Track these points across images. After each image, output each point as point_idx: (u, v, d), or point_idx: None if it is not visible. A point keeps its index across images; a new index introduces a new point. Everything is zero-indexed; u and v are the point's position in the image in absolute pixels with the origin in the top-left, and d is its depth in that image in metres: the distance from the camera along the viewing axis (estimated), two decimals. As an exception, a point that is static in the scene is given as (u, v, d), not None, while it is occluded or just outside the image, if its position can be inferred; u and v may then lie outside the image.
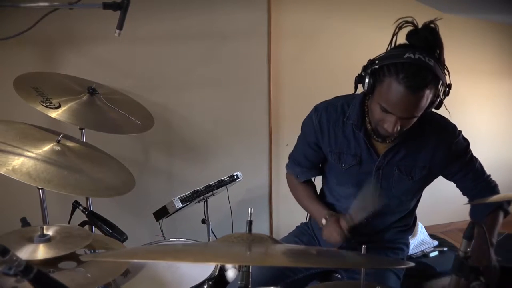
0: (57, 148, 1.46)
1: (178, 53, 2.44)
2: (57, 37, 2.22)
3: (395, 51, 1.32)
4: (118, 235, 1.54)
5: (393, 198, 1.51)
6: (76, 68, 2.19)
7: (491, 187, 1.60)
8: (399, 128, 1.30)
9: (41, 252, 1.08)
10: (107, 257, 1.10)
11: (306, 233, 1.72)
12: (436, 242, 2.38)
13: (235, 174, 2.06)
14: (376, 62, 1.31)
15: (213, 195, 2.03)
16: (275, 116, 2.69)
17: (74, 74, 2.08)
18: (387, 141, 1.45)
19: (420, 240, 2.35)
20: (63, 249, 1.09)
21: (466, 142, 1.53)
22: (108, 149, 1.74)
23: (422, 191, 1.58)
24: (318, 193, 1.72)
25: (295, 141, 1.71)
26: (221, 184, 2.00)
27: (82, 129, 1.98)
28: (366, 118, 1.46)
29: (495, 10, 2.68)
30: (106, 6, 1.34)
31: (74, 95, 1.81)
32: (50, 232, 1.16)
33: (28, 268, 0.68)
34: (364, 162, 1.48)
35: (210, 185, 1.96)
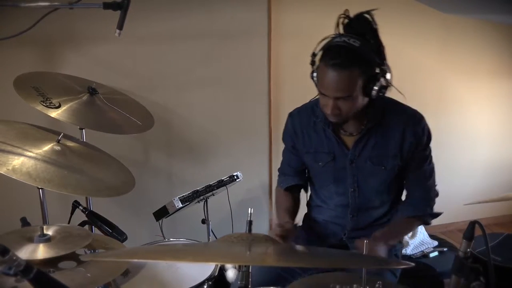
0: (57, 148, 1.46)
1: (178, 53, 2.44)
2: (57, 37, 2.22)
3: (327, 40, 1.40)
4: (118, 235, 1.54)
5: (371, 191, 1.55)
6: (76, 68, 2.19)
7: (427, 195, 1.56)
8: (338, 111, 1.38)
9: (41, 252, 1.08)
10: (107, 257, 1.10)
11: (299, 236, 1.72)
12: (436, 243, 2.38)
13: (235, 174, 2.06)
14: (314, 52, 1.42)
15: (213, 195, 2.03)
16: (275, 116, 2.68)
17: (74, 74, 2.08)
18: (354, 134, 1.51)
19: (420, 241, 2.35)
20: (63, 249, 1.09)
21: (428, 137, 1.52)
22: (108, 149, 1.74)
23: (399, 181, 1.58)
24: (307, 199, 1.76)
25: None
26: (221, 184, 2.00)
27: (82, 129, 1.98)
28: None
29: (495, 10, 2.68)
30: (106, 6, 1.34)
31: (74, 95, 1.81)
32: (50, 232, 1.16)
33: (28, 268, 0.68)
34: (338, 157, 1.54)
35: (210, 185, 1.96)
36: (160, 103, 2.44)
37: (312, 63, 1.43)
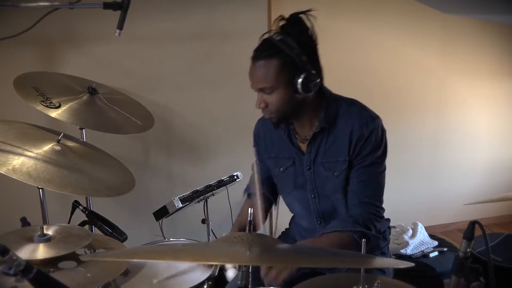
0: (57, 148, 1.46)
1: (178, 53, 2.44)
2: (57, 37, 2.22)
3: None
4: (118, 235, 1.54)
5: (329, 197, 1.49)
6: (76, 68, 2.19)
7: (366, 212, 1.40)
8: (265, 105, 1.39)
9: (41, 252, 1.08)
10: (107, 257, 1.10)
11: (288, 240, 1.71)
12: (436, 243, 2.38)
13: (235, 174, 2.06)
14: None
15: (213, 195, 2.03)
16: (275, 116, 2.68)
17: (74, 74, 2.08)
18: (307, 138, 1.48)
19: (419, 241, 2.35)
20: (63, 249, 1.09)
21: (377, 143, 1.41)
22: (108, 149, 1.74)
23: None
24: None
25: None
26: (221, 184, 2.00)
27: (82, 129, 1.98)
28: (290, 120, 1.50)
29: (495, 10, 2.68)
30: (106, 6, 1.34)
31: (74, 95, 1.82)
32: (50, 232, 1.16)
33: (28, 268, 0.68)
34: (297, 162, 1.52)
35: (210, 185, 1.96)
36: (160, 103, 2.44)
37: None
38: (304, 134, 1.49)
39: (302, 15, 1.40)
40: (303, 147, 1.50)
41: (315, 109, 1.44)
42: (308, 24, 1.39)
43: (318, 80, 1.37)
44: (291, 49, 1.33)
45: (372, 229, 1.40)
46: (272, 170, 1.60)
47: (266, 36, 1.40)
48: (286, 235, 1.75)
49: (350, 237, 1.37)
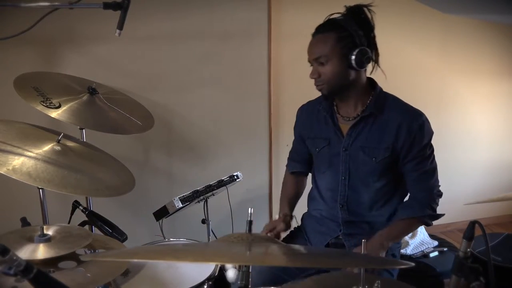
0: (57, 148, 1.46)
1: (178, 53, 2.44)
2: (57, 37, 2.22)
3: None
4: (118, 235, 1.54)
5: (360, 181, 1.57)
6: (76, 68, 2.19)
7: (429, 196, 1.55)
8: (318, 75, 1.48)
9: (41, 252, 1.08)
10: (107, 257, 1.10)
11: (299, 236, 1.75)
12: (436, 243, 2.38)
13: (235, 174, 2.06)
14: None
15: (213, 195, 2.03)
16: (275, 116, 2.68)
17: (74, 74, 2.08)
18: (350, 119, 1.55)
19: (420, 241, 2.35)
20: (63, 249, 1.09)
21: (427, 136, 1.52)
22: (108, 149, 1.74)
23: (389, 174, 1.56)
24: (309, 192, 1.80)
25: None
26: (221, 184, 2.00)
27: (82, 129, 1.98)
28: (334, 102, 1.61)
29: (495, 10, 2.68)
30: (106, 6, 1.34)
31: (74, 95, 1.81)
32: (50, 232, 1.16)
33: (28, 268, 0.68)
34: (333, 143, 1.59)
35: (210, 185, 1.96)
36: (160, 103, 2.44)
37: None
38: (347, 115, 1.57)
39: (364, 8, 1.48)
40: (344, 128, 1.57)
41: (363, 93, 1.53)
42: (368, 15, 1.49)
43: (370, 58, 1.46)
44: (349, 26, 1.43)
45: (435, 207, 1.56)
46: (311, 150, 1.70)
47: (329, 17, 1.50)
48: (296, 234, 1.77)
49: (421, 220, 1.55)
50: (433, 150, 1.55)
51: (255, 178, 2.74)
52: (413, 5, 2.74)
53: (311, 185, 1.78)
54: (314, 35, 1.49)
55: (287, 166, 1.87)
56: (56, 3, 1.33)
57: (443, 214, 1.58)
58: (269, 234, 1.57)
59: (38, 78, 1.84)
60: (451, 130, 3.14)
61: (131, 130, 1.98)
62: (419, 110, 1.55)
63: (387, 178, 1.56)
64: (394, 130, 1.49)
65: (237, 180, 2.06)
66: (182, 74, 2.47)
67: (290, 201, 1.75)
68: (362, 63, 1.44)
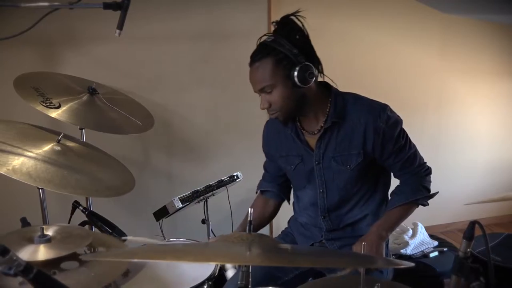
0: (57, 148, 1.46)
1: (178, 53, 2.44)
2: (57, 37, 2.22)
3: None
4: (118, 235, 1.54)
5: (338, 191, 1.55)
6: (76, 68, 2.19)
7: (418, 177, 1.55)
8: (269, 105, 1.44)
9: (42, 252, 1.07)
10: (107, 257, 1.10)
11: (288, 237, 1.75)
12: (436, 243, 2.38)
13: (235, 174, 2.06)
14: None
15: (213, 195, 2.03)
16: (275, 116, 2.68)
17: (74, 74, 2.08)
18: (315, 133, 1.52)
19: (420, 241, 2.35)
20: (64, 249, 1.09)
21: (396, 127, 1.48)
22: (108, 149, 1.74)
23: (366, 175, 1.54)
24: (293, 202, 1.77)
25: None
26: (221, 184, 2.00)
27: (82, 129, 1.98)
28: (296, 118, 1.55)
29: (495, 10, 2.68)
30: (106, 6, 1.34)
31: (74, 95, 1.81)
32: (50, 232, 1.16)
33: (28, 268, 0.68)
34: (305, 159, 1.56)
35: (210, 185, 1.96)
36: (160, 103, 2.44)
37: None
38: (312, 129, 1.53)
39: (292, 17, 1.44)
40: (312, 142, 1.54)
41: (321, 103, 1.49)
42: (298, 23, 1.44)
43: (314, 71, 1.40)
44: (282, 46, 1.38)
45: (428, 185, 1.55)
46: (285, 168, 1.66)
47: (261, 40, 1.45)
48: (285, 234, 1.78)
49: (416, 204, 1.54)
50: (406, 135, 1.52)
51: (255, 178, 2.73)
52: (413, 5, 2.74)
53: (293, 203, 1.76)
54: (251, 64, 1.43)
55: (257, 186, 1.82)
56: (56, 3, 1.33)
57: (437, 192, 1.57)
58: None
59: (38, 78, 1.84)
60: (451, 130, 3.14)
61: (131, 130, 1.99)
62: (381, 103, 1.49)
63: (365, 179, 1.55)
64: (360, 133, 1.46)
65: (237, 180, 2.06)
66: (182, 74, 2.47)
67: (245, 222, 1.59)
68: (306, 80, 1.38)
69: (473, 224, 0.96)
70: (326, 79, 1.52)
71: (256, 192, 1.83)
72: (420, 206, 1.57)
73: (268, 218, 1.75)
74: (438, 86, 3.04)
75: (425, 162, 1.58)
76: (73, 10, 1.37)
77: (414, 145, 1.55)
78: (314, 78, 1.40)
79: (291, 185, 1.74)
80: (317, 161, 1.53)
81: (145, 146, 2.52)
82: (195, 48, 2.46)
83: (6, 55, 2.13)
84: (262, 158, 2.74)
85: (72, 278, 1.02)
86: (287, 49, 1.37)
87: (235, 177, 2.05)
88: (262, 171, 2.86)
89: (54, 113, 1.64)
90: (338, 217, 1.59)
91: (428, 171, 1.57)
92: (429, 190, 1.55)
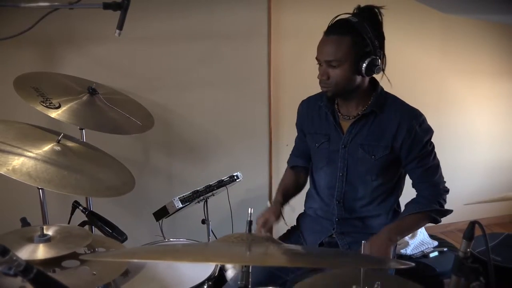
0: (57, 148, 1.46)
1: (178, 53, 2.44)
2: (57, 37, 2.22)
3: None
4: (118, 235, 1.54)
5: (358, 178, 1.58)
6: (76, 68, 2.19)
7: (435, 191, 1.58)
8: (327, 77, 1.47)
9: (41, 252, 1.07)
10: (107, 257, 1.10)
11: (294, 235, 1.75)
12: (436, 243, 2.38)
13: (235, 174, 2.06)
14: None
15: (213, 195, 2.03)
16: (275, 116, 2.68)
17: (74, 74, 2.08)
18: (350, 117, 1.56)
19: (420, 241, 2.35)
20: (63, 249, 1.09)
21: (428, 133, 1.54)
22: (108, 149, 1.74)
23: (387, 172, 1.58)
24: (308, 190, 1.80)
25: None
26: (221, 184, 2.00)
27: (82, 129, 1.98)
28: (336, 101, 1.61)
29: (495, 10, 2.68)
30: (106, 6, 1.34)
31: (74, 95, 1.81)
32: (50, 232, 1.16)
33: (28, 268, 0.68)
34: (332, 139, 1.60)
35: (210, 185, 1.96)
36: (160, 103, 2.44)
37: None
38: (348, 114, 1.58)
39: (376, 9, 1.47)
40: (345, 125, 1.59)
41: (365, 94, 1.55)
42: (379, 17, 1.48)
43: (381, 66, 1.47)
44: (365, 32, 1.42)
45: (443, 203, 1.58)
46: (310, 145, 1.70)
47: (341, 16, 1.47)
48: (292, 233, 1.77)
49: (428, 216, 1.55)
50: (433, 147, 1.56)
51: (255, 178, 2.74)
52: (413, 5, 2.74)
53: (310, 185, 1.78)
54: (328, 34, 1.46)
55: (288, 162, 1.87)
56: (56, 3, 1.33)
57: (451, 211, 1.59)
58: (262, 230, 1.56)
59: (38, 78, 1.84)
60: (451, 130, 3.14)
61: (131, 130, 1.99)
62: (418, 110, 1.56)
63: (385, 177, 1.58)
64: (393, 128, 1.50)
65: (237, 180, 2.06)
66: (182, 74, 2.47)
67: (285, 191, 1.74)
68: (371, 72, 1.46)
69: (473, 224, 0.96)
70: (383, 78, 1.57)
71: (287, 165, 1.87)
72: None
73: (299, 188, 1.80)
74: (438, 86, 3.04)
75: (445, 181, 1.62)
76: (73, 10, 1.37)
77: (438, 160, 1.58)
78: (376, 73, 1.47)
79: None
80: (343, 145, 1.57)
81: (145, 146, 2.52)
82: (195, 48, 2.46)
83: (6, 55, 2.13)
84: (262, 158, 2.76)
85: (74, 276, 1.02)
86: (368, 36, 1.42)
87: (235, 177, 2.05)
88: (262, 171, 2.87)
89: (54, 113, 1.64)
90: (352, 206, 1.61)
91: (446, 189, 1.60)
92: (443, 206, 1.58)
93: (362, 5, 1.50)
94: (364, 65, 1.43)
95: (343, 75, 1.45)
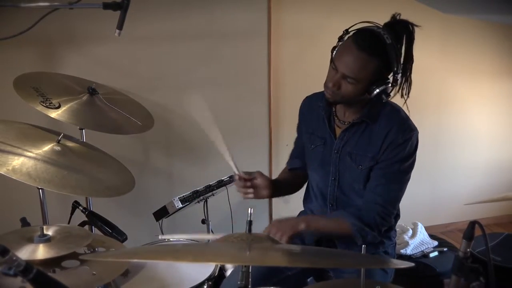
0: (57, 148, 1.46)
1: (178, 53, 2.44)
2: (57, 37, 2.22)
3: (366, 24, 1.42)
4: (118, 235, 1.54)
5: (347, 185, 1.55)
6: (76, 68, 2.19)
7: (375, 210, 1.44)
8: (338, 88, 1.39)
9: (41, 252, 1.07)
10: (107, 257, 1.10)
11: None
12: (436, 243, 2.38)
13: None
14: (348, 30, 1.43)
15: (213, 195, 2.03)
16: (275, 116, 2.68)
17: (74, 74, 2.08)
18: (345, 123, 1.53)
19: (420, 241, 2.35)
20: (63, 249, 1.09)
21: (409, 150, 1.44)
22: (108, 149, 1.74)
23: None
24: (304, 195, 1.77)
25: (295, 141, 1.72)
26: (221, 184, 2.00)
27: (82, 129, 1.98)
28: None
29: (495, 10, 2.68)
30: (106, 6, 1.34)
31: (74, 95, 1.81)
32: (50, 232, 1.16)
33: (28, 268, 0.68)
34: (327, 143, 1.58)
35: (210, 185, 1.96)
36: (160, 103, 2.44)
37: (340, 38, 1.44)
38: (344, 119, 1.55)
39: (410, 26, 1.42)
40: (338, 131, 1.56)
41: (365, 103, 1.49)
42: (412, 36, 1.42)
43: (390, 94, 1.41)
44: (395, 57, 1.36)
45: (375, 229, 1.45)
46: (306, 145, 1.67)
47: (376, 28, 1.38)
48: None
49: (350, 228, 1.43)
50: (410, 170, 1.47)
51: (255, 178, 2.74)
52: (413, 5, 2.73)
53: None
54: (357, 47, 1.33)
55: (287, 163, 1.82)
56: (56, 3, 1.33)
57: (378, 239, 1.48)
58: (247, 186, 1.53)
59: (38, 78, 1.84)
60: (451, 130, 3.14)
61: (131, 130, 1.99)
62: (414, 126, 1.47)
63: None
64: (381, 139, 1.45)
65: (237, 180, 2.06)
66: (182, 74, 2.47)
67: (279, 181, 1.68)
68: (379, 98, 1.40)
69: (473, 224, 0.96)
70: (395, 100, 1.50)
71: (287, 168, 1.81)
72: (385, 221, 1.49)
73: (293, 187, 1.74)
74: (438, 86, 3.04)
75: (395, 212, 1.52)
76: (73, 10, 1.37)
77: (404, 189, 1.49)
78: (382, 100, 1.41)
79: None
80: (336, 150, 1.55)
81: (145, 146, 2.52)
82: (195, 48, 2.46)
83: (6, 55, 2.13)
84: (262, 158, 2.76)
85: (74, 276, 1.02)
86: (395, 63, 1.36)
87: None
88: (262, 171, 2.85)
89: (54, 113, 1.64)
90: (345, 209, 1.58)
91: (388, 219, 1.47)
92: (371, 229, 1.44)
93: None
94: (376, 91, 1.38)
95: (354, 92, 1.39)
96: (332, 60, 1.42)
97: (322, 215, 1.58)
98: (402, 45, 1.41)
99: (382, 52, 1.34)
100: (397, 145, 1.43)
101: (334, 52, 1.44)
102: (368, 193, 1.48)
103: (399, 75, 1.40)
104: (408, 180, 1.49)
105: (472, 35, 3.02)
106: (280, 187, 1.65)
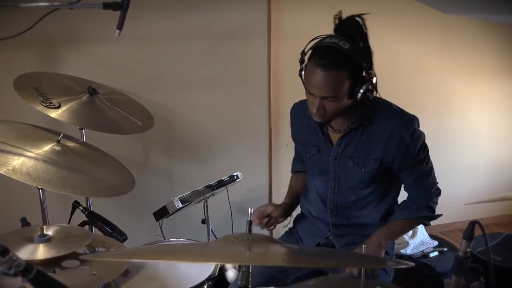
0: (57, 148, 1.46)
1: (178, 53, 2.44)
2: (57, 37, 2.22)
3: (318, 39, 1.41)
4: (118, 235, 1.54)
5: (349, 189, 1.56)
6: (76, 68, 2.19)
7: (426, 196, 1.55)
8: (323, 111, 1.39)
9: (41, 252, 1.07)
10: (107, 257, 1.10)
11: (292, 236, 1.75)
12: (436, 243, 2.38)
13: (235, 174, 2.06)
14: (304, 51, 1.43)
15: (213, 195, 2.03)
16: (275, 116, 2.68)
17: (74, 74, 2.08)
18: (340, 131, 1.52)
19: (420, 241, 2.35)
20: (63, 249, 1.09)
21: (419, 140, 1.48)
22: (108, 149, 1.74)
23: (379, 181, 1.54)
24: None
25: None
26: (221, 184, 2.00)
27: (82, 129, 1.98)
28: None
29: (495, 10, 2.68)
30: (106, 6, 1.34)
31: (74, 95, 1.81)
32: (50, 232, 1.16)
33: (28, 268, 0.68)
34: (323, 151, 1.58)
35: (210, 185, 1.96)
36: (160, 103, 2.44)
37: (301, 61, 1.45)
38: (337, 127, 1.53)
39: (358, 18, 1.41)
40: (334, 137, 1.55)
41: (354, 108, 1.46)
42: (364, 29, 1.41)
43: (372, 90, 1.40)
44: (359, 59, 1.34)
45: (434, 206, 1.56)
46: (301, 154, 1.69)
47: (328, 40, 1.36)
48: (289, 234, 1.77)
49: (418, 221, 1.58)
50: (427, 151, 1.52)
51: (255, 178, 2.74)
52: (413, 5, 2.74)
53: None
54: (323, 68, 1.32)
55: (292, 167, 1.86)
56: (56, 3, 1.33)
57: (441, 215, 1.58)
58: (264, 221, 1.55)
59: (38, 78, 1.84)
60: (451, 130, 3.14)
61: (131, 130, 1.99)
62: (411, 115, 1.49)
63: (377, 184, 1.55)
64: (383, 141, 1.45)
65: (237, 180, 2.06)
66: (182, 74, 2.47)
67: (293, 192, 1.74)
68: (366, 99, 1.38)
69: (473, 224, 0.96)
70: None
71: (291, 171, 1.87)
72: None
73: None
74: (438, 86, 3.03)
75: (437, 183, 1.58)
76: (73, 10, 1.37)
77: (431, 163, 1.54)
78: (370, 98, 1.39)
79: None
80: (334, 157, 1.55)
81: (145, 146, 2.52)
82: (195, 48, 2.46)
83: (6, 55, 2.13)
84: (262, 158, 2.76)
85: (74, 276, 1.02)
86: (362, 63, 1.35)
87: (235, 177, 2.06)
88: (262, 171, 2.88)
89: (54, 113, 1.64)
90: (346, 214, 1.60)
91: (437, 192, 1.57)
92: (433, 211, 1.55)
93: (353, 9, 1.45)
94: (360, 94, 1.36)
95: (340, 107, 1.39)
96: (305, 86, 1.42)
97: (388, 224, 1.56)
98: (360, 40, 1.38)
99: (347, 60, 1.32)
100: (407, 143, 1.45)
101: (302, 77, 1.43)
102: (412, 188, 1.56)
103: (372, 69, 1.39)
104: (429, 157, 1.53)
105: (472, 35, 3.02)
106: (296, 194, 1.73)
